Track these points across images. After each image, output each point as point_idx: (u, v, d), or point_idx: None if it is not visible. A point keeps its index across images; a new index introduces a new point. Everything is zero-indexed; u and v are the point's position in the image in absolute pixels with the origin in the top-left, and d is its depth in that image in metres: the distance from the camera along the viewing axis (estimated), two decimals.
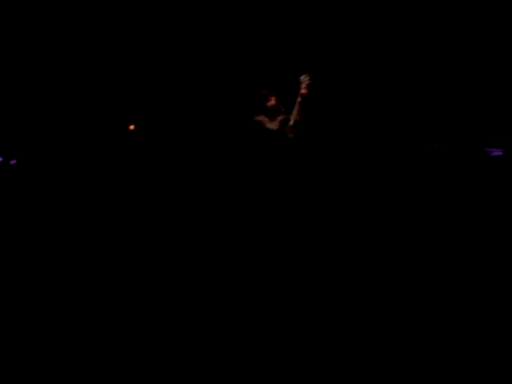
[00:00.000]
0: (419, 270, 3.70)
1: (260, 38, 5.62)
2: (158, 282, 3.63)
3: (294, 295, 3.38)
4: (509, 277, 3.45)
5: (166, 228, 4.69)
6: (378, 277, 3.60)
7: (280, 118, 4.27)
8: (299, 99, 4.21)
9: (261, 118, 4.17)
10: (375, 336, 2.81)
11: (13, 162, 5.32)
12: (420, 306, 3.14)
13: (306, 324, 2.97)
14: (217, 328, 2.96)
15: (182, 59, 5.66)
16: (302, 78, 4.22)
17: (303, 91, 4.21)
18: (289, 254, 3.82)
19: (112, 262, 3.97)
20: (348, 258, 3.94)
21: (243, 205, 4.31)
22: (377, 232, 4.41)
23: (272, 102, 4.21)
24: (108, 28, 5.51)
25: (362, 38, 5.62)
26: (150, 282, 3.62)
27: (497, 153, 4.87)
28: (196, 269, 3.85)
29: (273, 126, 4.23)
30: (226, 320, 3.05)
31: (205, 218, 4.78)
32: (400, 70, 5.64)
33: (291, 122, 4.20)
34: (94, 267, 3.87)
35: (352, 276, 3.66)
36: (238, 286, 3.51)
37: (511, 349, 2.59)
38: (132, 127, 5.53)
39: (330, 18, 5.58)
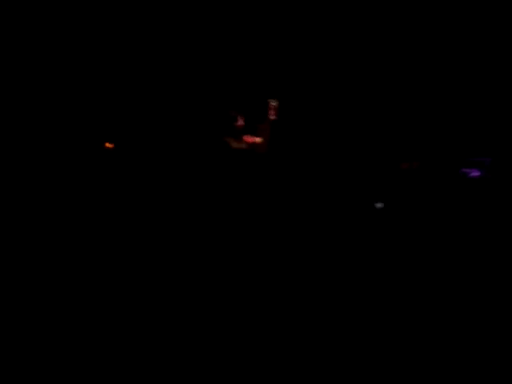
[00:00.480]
0: (401, 289, 3.70)
1: (229, 61, 5.63)
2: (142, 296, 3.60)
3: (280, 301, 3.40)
4: (488, 294, 3.48)
5: (144, 248, 4.65)
6: (355, 294, 3.60)
7: (250, 140, 4.28)
8: (268, 124, 4.22)
9: (229, 138, 4.18)
10: (373, 340, 2.82)
11: None
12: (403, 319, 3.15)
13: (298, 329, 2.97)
14: (213, 330, 2.96)
15: (154, 79, 5.64)
16: (271, 102, 4.23)
17: (272, 117, 4.22)
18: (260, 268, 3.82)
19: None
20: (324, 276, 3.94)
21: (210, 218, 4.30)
22: (355, 252, 4.41)
23: (240, 122, 4.21)
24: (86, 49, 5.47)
25: (335, 59, 5.64)
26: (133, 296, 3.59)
27: (474, 173, 4.90)
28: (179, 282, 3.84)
29: (240, 146, 4.22)
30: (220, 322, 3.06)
31: (181, 237, 4.74)
32: (377, 90, 5.66)
33: (260, 146, 4.21)
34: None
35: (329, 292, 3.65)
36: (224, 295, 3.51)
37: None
38: (109, 145, 5.47)
39: (300, 40, 5.60)
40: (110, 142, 5.45)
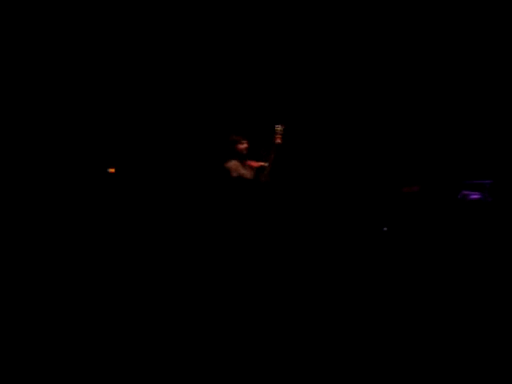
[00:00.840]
0: (397, 312, 3.67)
1: (232, 84, 5.72)
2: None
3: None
4: (489, 318, 3.43)
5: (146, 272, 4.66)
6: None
7: (255, 164, 4.31)
8: (274, 148, 4.28)
9: (234, 162, 4.20)
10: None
11: None
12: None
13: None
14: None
15: (157, 102, 5.73)
16: (277, 127, 4.29)
17: (277, 141, 4.29)
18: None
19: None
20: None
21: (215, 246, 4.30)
22: (356, 277, 4.38)
23: (244, 145, 4.25)
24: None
25: (336, 84, 5.72)
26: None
27: (474, 196, 4.88)
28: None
29: (246, 172, 4.24)
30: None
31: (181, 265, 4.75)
32: (377, 115, 5.71)
33: (266, 171, 4.25)
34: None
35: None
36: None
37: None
38: (112, 170, 5.55)
39: (303, 65, 5.69)
40: (112, 167, 5.53)
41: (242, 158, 4.26)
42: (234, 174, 4.14)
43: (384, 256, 4.65)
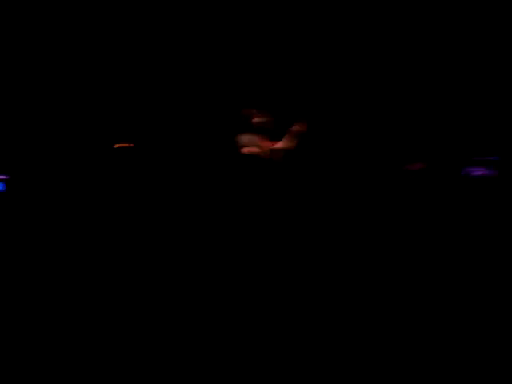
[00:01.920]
0: (403, 290, 3.71)
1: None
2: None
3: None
4: (491, 295, 3.47)
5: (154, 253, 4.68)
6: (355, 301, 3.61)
7: (270, 144, 4.25)
8: (294, 133, 4.27)
9: (247, 136, 4.13)
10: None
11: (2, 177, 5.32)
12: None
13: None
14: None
15: (168, 75, 5.70)
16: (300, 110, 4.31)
17: (299, 127, 4.29)
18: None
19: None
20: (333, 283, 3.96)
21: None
22: (362, 253, 4.43)
23: (257, 119, 4.20)
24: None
25: (347, 64, 5.74)
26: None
27: (478, 172, 4.94)
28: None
29: (260, 150, 4.17)
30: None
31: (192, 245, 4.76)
32: (383, 91, 5.73)
33: (283, 151, 4.23)
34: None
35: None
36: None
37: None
38: (118, 145, 5.54)
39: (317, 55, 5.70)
40: (121, 142, 5.52)
41: (257, 133, 4.19)
42: (247, 150, 4.08)
43: (387, 234, 4.71)
